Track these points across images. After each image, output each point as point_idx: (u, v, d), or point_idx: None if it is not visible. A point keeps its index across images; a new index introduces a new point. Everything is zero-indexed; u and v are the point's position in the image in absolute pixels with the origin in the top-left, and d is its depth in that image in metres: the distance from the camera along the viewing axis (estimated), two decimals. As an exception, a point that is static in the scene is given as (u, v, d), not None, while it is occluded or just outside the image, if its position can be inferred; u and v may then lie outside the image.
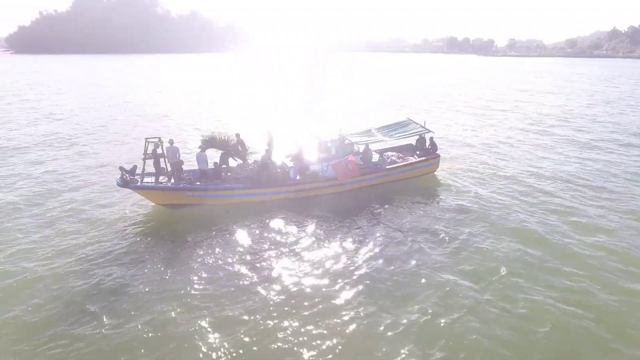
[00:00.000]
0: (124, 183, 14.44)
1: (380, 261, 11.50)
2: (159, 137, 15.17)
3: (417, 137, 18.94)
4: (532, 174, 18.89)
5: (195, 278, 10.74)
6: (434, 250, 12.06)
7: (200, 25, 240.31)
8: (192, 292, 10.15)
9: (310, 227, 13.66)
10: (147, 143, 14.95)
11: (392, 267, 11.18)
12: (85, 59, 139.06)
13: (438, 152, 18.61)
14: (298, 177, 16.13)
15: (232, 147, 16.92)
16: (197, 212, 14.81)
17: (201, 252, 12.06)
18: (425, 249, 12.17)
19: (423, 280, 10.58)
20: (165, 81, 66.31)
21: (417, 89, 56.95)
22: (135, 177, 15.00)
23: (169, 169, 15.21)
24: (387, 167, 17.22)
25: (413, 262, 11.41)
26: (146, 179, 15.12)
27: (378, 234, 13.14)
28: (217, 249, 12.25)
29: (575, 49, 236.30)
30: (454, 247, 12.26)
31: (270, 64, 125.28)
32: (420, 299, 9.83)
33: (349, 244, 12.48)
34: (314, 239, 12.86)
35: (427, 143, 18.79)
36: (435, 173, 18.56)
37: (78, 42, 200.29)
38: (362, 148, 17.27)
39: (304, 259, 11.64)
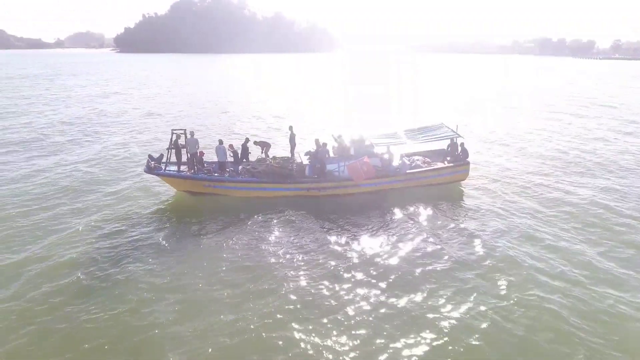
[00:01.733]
0: (149, 169, 15.66)
1: (383, 266, 11.23)
2: (185, 129, 16.20)
3: (448, 141, 17.93)
4: (584, 196, 16.70)
5: (197, 266, 11.33)
6: (432, 259, 11.44)
7: (284, 27, 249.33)
8: (191, 280, 10.72)
9: (318, 226, 13.67)
10: (172, 134, 16.04)
11: (390, 273, 10.84)
12: (180, 58, 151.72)
13: (469, 159, 17.39)
14: (316, 176, 16.15)
15: (259, 143, 17.74)
16: (214, 201, 15.52)
17: (207, 241, 12.63)
18: (425, 258, 11.59)
19: (420, 285, 10.12)
20: (240, 79, 70.16)
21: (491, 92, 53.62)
22: (161, 164, 16.15)
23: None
24: (408, 171, 16.54)
25: (410, 267, 10.96)
26: (173, 167, 16.23)
27: (380, 237, 12.77)
28: (224, 240, 12.63)
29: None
30: (456, 262, 11.50)
31: (352, 65, 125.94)
32: (425, 312, 9.43)
33: (349, 246, 12.30)
34: (318, 238, 12.85)
35: (459, 149, 17.65)
36: (465, 182, 17.41)
37: (174, 42, 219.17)
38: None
39: (304, 258, 11.61)
